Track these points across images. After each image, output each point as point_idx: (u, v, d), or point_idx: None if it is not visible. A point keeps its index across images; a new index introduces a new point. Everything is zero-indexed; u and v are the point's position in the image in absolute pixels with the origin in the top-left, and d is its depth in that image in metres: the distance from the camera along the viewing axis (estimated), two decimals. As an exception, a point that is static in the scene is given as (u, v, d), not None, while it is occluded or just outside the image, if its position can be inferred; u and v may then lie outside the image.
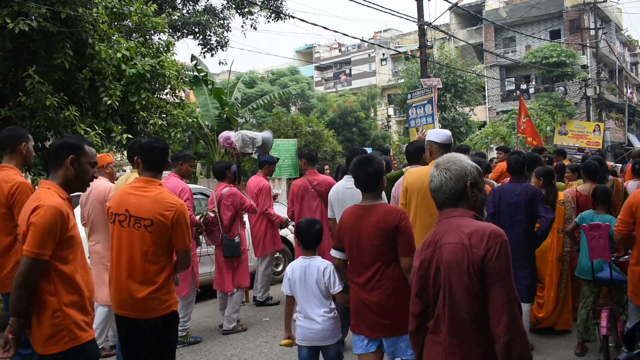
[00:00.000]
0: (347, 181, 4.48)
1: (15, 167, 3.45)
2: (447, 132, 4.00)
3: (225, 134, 6.24)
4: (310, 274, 3.23)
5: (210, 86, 13.69)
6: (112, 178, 4.97)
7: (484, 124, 25.14)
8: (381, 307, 2.90)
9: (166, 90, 9.69)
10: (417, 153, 4.48)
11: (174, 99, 9.91)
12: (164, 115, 9.16)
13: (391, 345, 2.97)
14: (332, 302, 3.30)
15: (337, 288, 3.18)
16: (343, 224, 3.07)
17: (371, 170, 3.03)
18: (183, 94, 10.53)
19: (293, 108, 33.90)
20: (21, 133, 3.56)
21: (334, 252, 3.16)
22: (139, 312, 2.92)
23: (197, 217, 5.28)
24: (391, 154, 7.60)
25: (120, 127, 8.06)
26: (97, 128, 7.77)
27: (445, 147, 3.83)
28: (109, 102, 7.81)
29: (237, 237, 5.47)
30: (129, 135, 8.24)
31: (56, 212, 2.31)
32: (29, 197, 3.23)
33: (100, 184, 4.68)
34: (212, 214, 5.34)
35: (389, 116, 35.71)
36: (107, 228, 4.39)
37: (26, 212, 2.34)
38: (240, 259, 5.52)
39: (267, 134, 6.48)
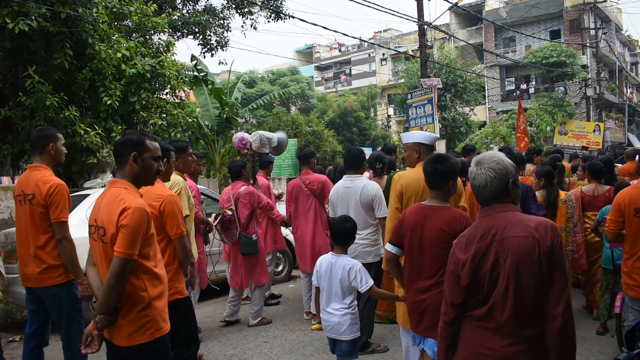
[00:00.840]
0: (346, 181, 4.68)
1: (48, 167, 3.52)
2: (433, 134, 4.03)
3: (239, 134, 6.30)
4: (336, 271, 3.31)
5: (210, 86, 13.68)
6: None
7: (484, 124, 25.11)
8: (437, 307, 2.90)
9: (166, 90, 9.69)
10: None
11: (174, 99, 9.91)
12: (164, 115, 9.16)
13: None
14: (354, 300, 3.34)
15: (365, 286, 3.22)
16: (405, 221, 3.06)
17: (439, 168, 3.00)
18: (183, 94, 10.53)
19: (293, 108, 33.90)
20: (49, 133, 3.59)
21: (389, 247, 3.14)
22: None
23: (213, 216, 5.34)
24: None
25: (120, 127, 8.06)
26: (97, 128, 7.76)
27: (432, 149, 3.87)
28: (109, 102, 7.80)
29: (254, 234, 5.54)
30: (129, 135, 8.24)
31: (143, 213, 2.41)
32: (65, 198, 3.35)
33: None
34: (229, 212, 5.40)
35: (389, 116, 35.72)
36: None
37: (113, 214, 2.38)
38: (258, 256, 5.60)
39: (281, 134, 6.58)
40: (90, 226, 2.55)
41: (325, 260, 3.41)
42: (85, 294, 3.50)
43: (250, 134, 6.42)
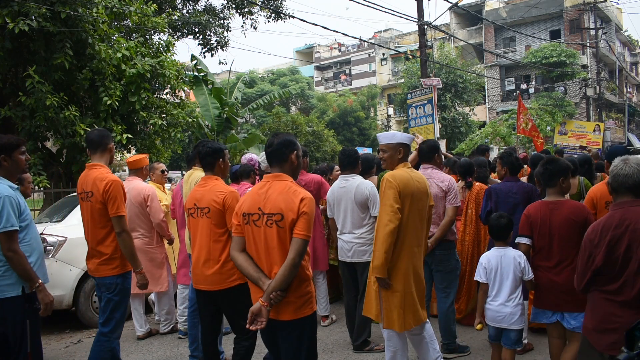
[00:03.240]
0: (341, 181, 4.74)
1: (104, 165, 3.75)
2: (410, 135, 3.98)
3: (247, 156, 6.38)
4: (507, 263, 3.57)
5: (210, 86, 13.68)
6: (145, 178, 5.56)
7: (484, 124, 25.12)
8: (566, 286, 3.29)
9: (166, 90, 9.69)
10: (431, 152, 4.47)
11: (174, 99, 9.91)
12: (164, 115, 9.16)
13: (573, 318, 3.34)
14: (521, 292, 3.57)
15: (530, 275, 3.50)
16: (532, 216, 3.46)
17: (550, 167, 3.43)
18: (183, 94, 10.53)
19: (293, 108, 33.93)
20: (103, 134, 3.81)
21: (524, 239, 3.50)
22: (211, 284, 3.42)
23: None
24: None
25: (120, 127, 8.06)
26: (97, 128, 7.75)
27: (409, 150, 3.86)
28: (109, 102, 7.81)
29: None
30: (129, 135, 8.24)
31: (314, 202, 2.74)
32: (121, 193, 3.61)
33: (137, 184, 5.21)
34: None
35: (389, 116, 35.71)
36: (143, 224, 5.18)
37: (292, 203, 2.65)
38: None
39: None
40: (248, 214, 2.74)
41: (492, 255, 3.65)
42: (143, 282, 3.74)
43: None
